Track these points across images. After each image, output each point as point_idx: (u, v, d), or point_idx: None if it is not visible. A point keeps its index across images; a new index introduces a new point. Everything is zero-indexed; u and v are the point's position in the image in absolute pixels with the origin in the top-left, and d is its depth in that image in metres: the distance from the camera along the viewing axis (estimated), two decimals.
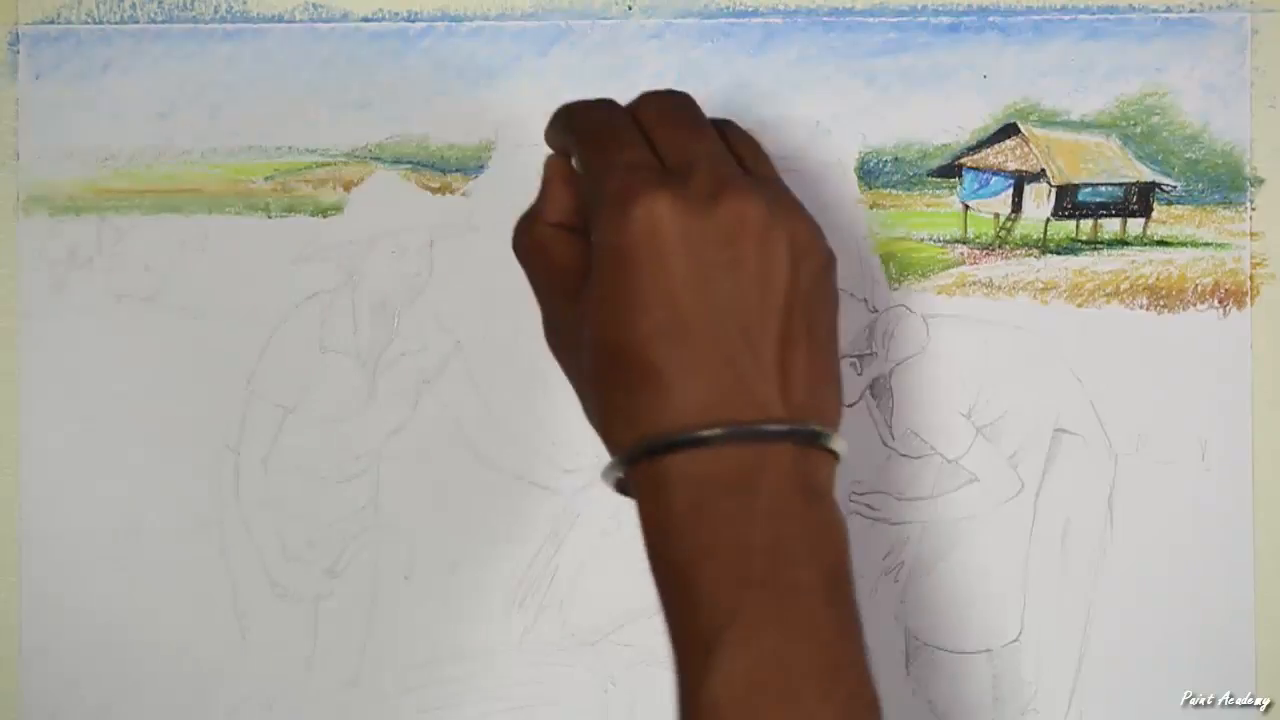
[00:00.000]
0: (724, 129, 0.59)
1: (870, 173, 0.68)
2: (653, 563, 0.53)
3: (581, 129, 0.58)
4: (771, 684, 0.50)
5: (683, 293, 0.52)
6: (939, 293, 0.68)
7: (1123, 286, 0.68)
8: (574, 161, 0.58)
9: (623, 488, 0.55)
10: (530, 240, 0.58)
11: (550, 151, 0.60)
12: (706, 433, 0.52)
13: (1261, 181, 0.68)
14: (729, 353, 0.52)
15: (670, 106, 0.57)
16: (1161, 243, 0.68)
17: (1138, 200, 0.68)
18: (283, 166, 0.69)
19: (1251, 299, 0.68)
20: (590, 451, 0.68)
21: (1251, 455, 0.67)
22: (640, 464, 0.53)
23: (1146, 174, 0.68)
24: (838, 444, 0.54)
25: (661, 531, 0.53)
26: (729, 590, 0.51)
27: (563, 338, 0.58)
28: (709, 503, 0.52)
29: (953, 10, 0.68)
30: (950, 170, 0.68)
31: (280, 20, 0.69)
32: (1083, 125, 0.68)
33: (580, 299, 0.55)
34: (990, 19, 0.68)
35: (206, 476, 0.69)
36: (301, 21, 0.69)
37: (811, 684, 0.50)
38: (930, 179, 0.68)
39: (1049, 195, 0.69)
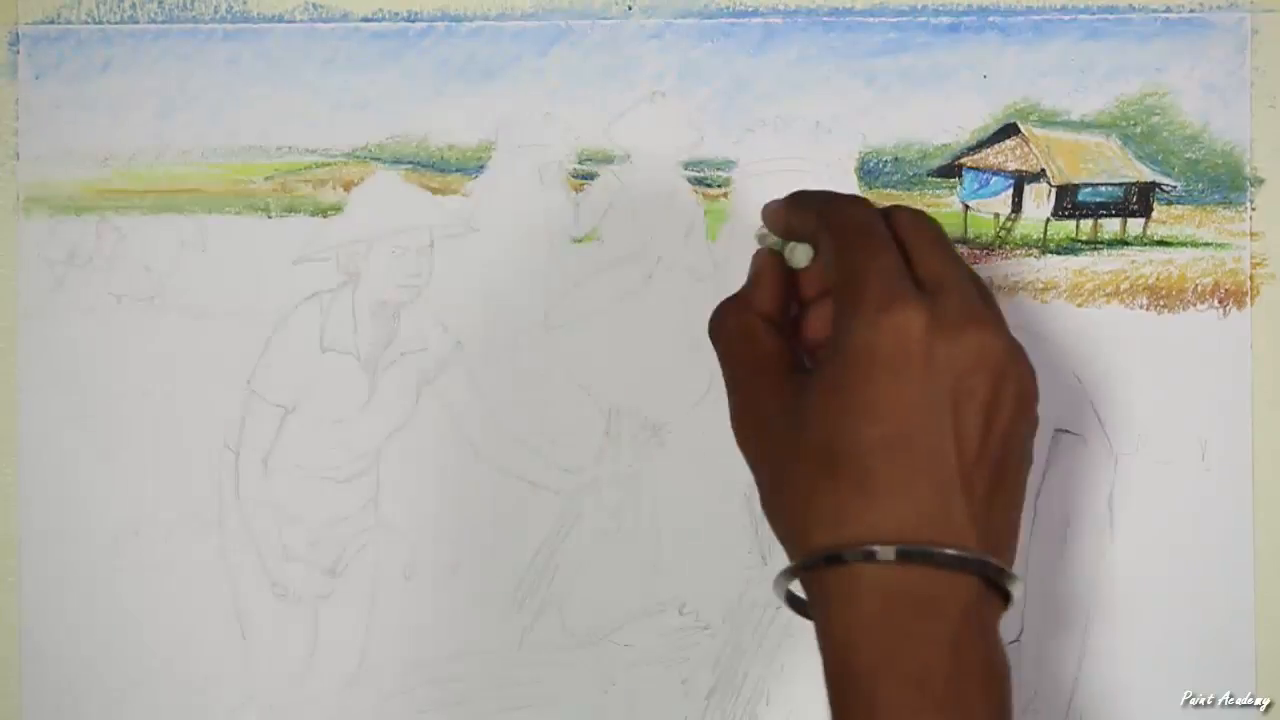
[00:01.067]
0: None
1: (870, 173, 0.68)
2: (830, 669, 0.53)
3: (838, 225, 0.57)
4: None
5: (916, 410, 0.53)
6: None
7: (1123, 286, 0.68)
8: (813, 252, 0.59)
9: (791, 600, 0.55)
10: (737, 326, 0.59)
11: (761, 239, 0.60)
12: (911, 548, 0.52)
13: (1261, 181, 0.68)
14: (943, 478, 0.53)
15: (924, 223, 0.58)
16: (1161, 243, 0.68)
17: (1138, 200, 0.68)
18: (283, 166, 0.69)
19: (1251, 299, 0.68)
20: (590, 451, 0.68)
21: (1251, 455, 0.67)
22: (827, 569, 0.53)
23: (1146, 174, 0.68)
24: (1015, 586, 0.54)
25: (846, 638, 0.53)
26: (909, 708, 0.51)
27: (759, 426, 0.57)
28: (897, 618, 0.52)
29: (953, 10, 0.68)
30: (950, 170, 0.68)
31: (280, 20, 0.69)
32: (1083, 125, 0.68)
33: (795, 392, 0.55)
34: (990, 19, 0.68)
35: (206, 476, 0.69)
36: (301, 21, 0.69)
37: None
38: (930, 179, 0.68)
39: (1049, 195, 0.69)
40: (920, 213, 0.58)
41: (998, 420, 0.54)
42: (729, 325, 0.59)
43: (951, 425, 0.53)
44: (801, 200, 0.59)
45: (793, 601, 0.56)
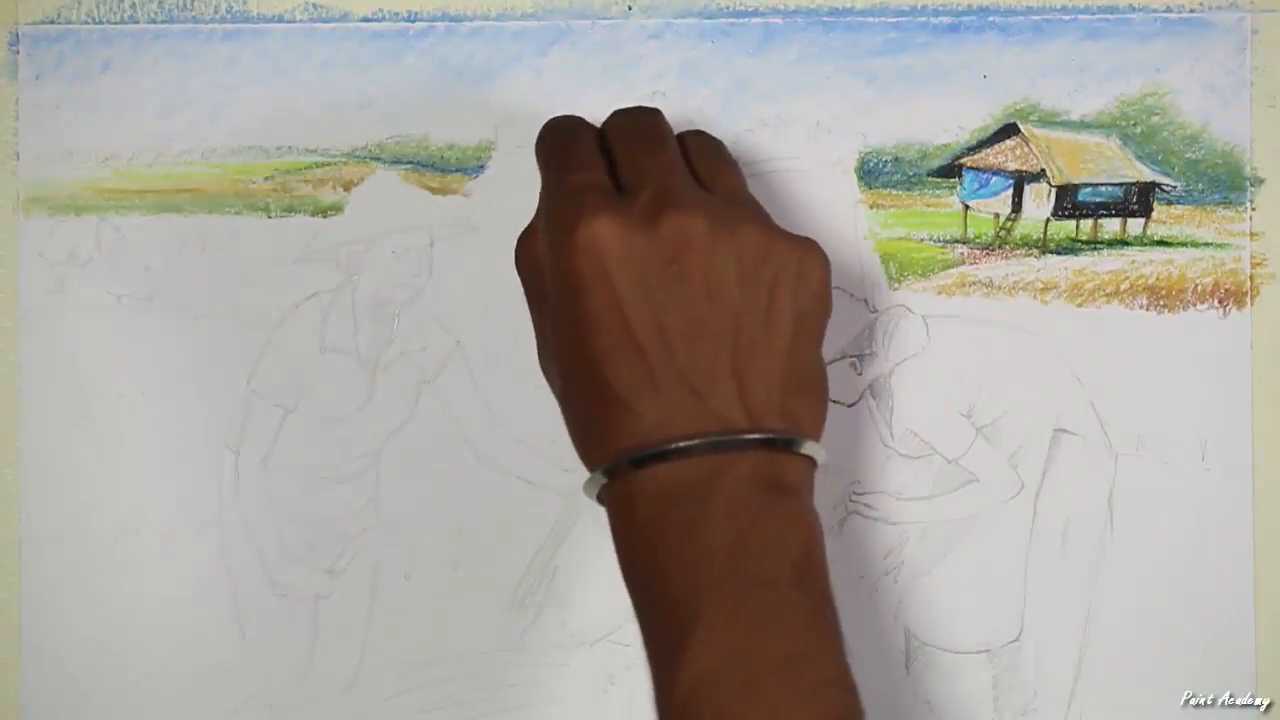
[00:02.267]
0: (689, 141, 0.60)
1: (870, 173, 0.68)
2: (624, 574, 0.54)
3: (544, 149, 0.59)
4: (736, 676, 0.50)
5: (631, 312, 0.53)
6: (939, 293, 0.68)
7: (1123, 286, 0.68)
8: None
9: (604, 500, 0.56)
10: (525, 258, 0.59)
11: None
12: (663, 448, 0.53)
13: (1261, 181, 0.68)
14: (682, 367, 0.53)
15: (632, 125, 0.59)
16: (1161, 243, 0.68)
17: (1138, 200, 0.68)
18: (283, 166, 0.69)
19: (1251, 299, 0.68)
20: None
21: (1251, 455, 0.67)
22: (606, 485, 0.54)
23: (1146, 174, 0.68)
24: (808, 448, 0.54)
25: (628, 543, 0.54)
26: (691, 592, 0.51)
27: (544, 358, 0.59)
28: (669, 512, 0.52)
29: (953, 10, 0.68)
30: (950, 170, 0.68)
31: (280, 20, 0.69)
32: (1083, 125, 0.68)
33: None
34: (990, 19, 0.68)
35: (206, 476, 0.69)
36: (301, 21, 0.69)
37: (778, 674, 0.50)
38: (930, 179, 0.68)
39: (1049, 195, 0.69)
40: (629, 112, 0.59)
41: (721, 294, 0.54)
42: (519, 257, 0.59)
43: (675, 315, 0.53)
44: (539, 133, 0.60)
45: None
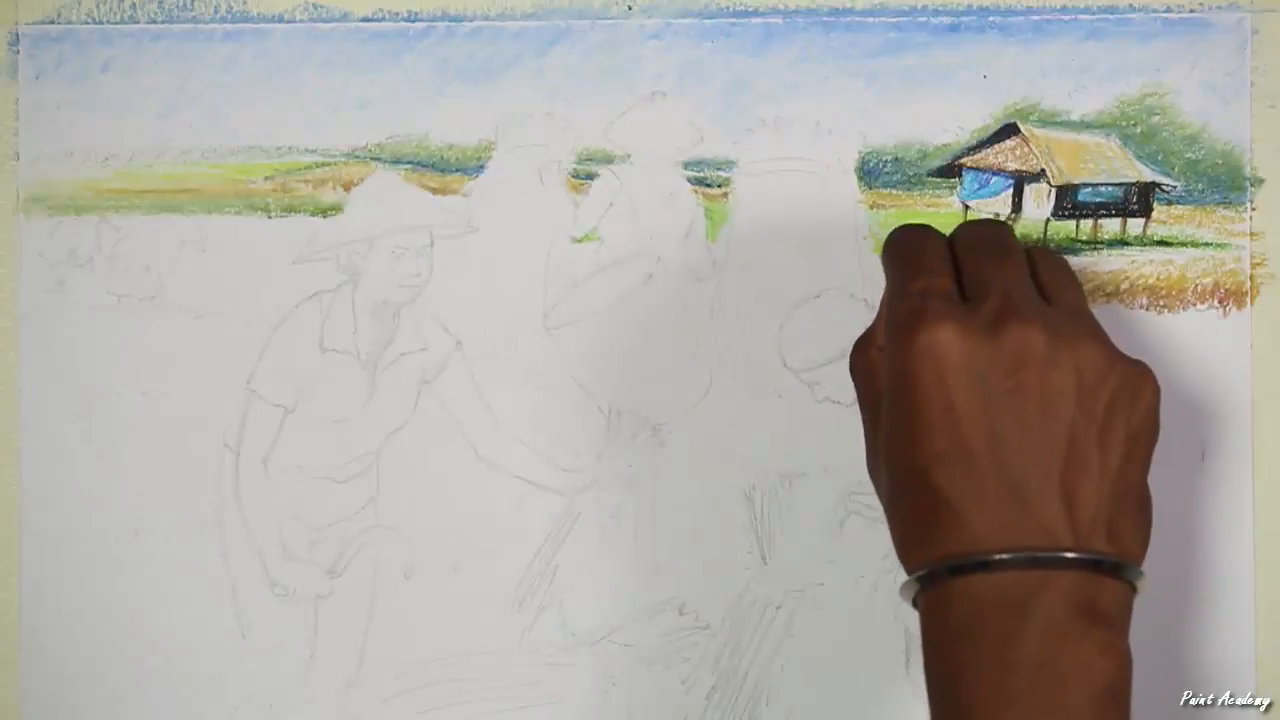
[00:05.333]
0: (1035, 255, 0.59)
1: (870, 173, 0.68)
2: (926, 674, 0.54)
3: (893, 253, 0.59)
4: None
5: (965, 420, 0.53)
6: None
7: (1123, 286, 0.68)
8: None
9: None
10: (861, 362, 0.59)
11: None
12: (989, 558, 0.53)
13: (1261, 181, 0.68)
14: (1013, 480, 0.53)
15: (980, 236, 0.58)
16: (1161, 243, 0.68)
17: (1138, 200, 0.68)
18: (283, 166, 0.69)
19: (1251, 299, 0.68)
20: (590, 452, 0.68)
21: (1251, 455, 0.67)
22: (923, 587, 0.54)
23: (1146, 174, 0.68)
24: (1132, 574, 0.54)
25: (935, 646, 0.54)
26: (990, 705, 0.52)
27: (872, 459, 0.59)
28: (982, 622, 0.53)
29: (953, 10, 0.68)
30: (950, 170, 0.68)
31: (280, 20, 0.69)
32: (1083, 125, 0.68)
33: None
34: (990, 19, 0.68)
35: (206, 476, 0.69)
36: (301, 21, 0.69)
37: None
38: (930, 179, 0.68)
39: (1049, 195, 0.69)
40: (978, 223, 0.59)
41: (1058, 411, 0.54)
42: (855, 363, 0.60)
43: (1010, 427, 0.54)
44: (887, 237, 0.60)
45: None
